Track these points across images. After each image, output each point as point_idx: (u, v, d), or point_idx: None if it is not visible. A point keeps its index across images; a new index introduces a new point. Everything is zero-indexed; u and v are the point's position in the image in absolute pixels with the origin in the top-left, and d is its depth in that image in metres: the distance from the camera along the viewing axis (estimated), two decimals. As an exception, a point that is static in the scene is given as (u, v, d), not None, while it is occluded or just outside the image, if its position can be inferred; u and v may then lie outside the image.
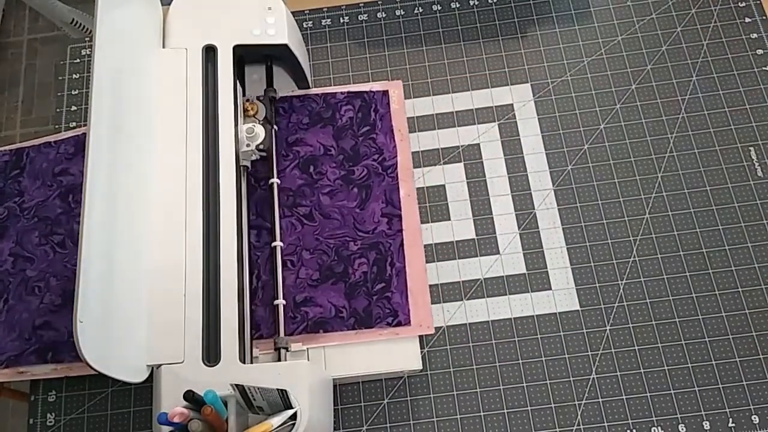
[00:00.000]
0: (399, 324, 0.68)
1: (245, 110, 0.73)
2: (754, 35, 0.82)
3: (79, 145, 0.76)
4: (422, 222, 0.75)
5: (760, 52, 0.81)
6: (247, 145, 0.70)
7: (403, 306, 0.68)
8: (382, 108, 0.77)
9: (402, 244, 0.71)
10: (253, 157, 0.71)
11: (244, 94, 0.77)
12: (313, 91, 0.78)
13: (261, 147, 0.71)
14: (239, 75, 0.75)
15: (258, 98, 0.74)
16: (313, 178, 0.74)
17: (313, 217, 0.72)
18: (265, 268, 0.70)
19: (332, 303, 0.69)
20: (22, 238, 0.72)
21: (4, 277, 0.71)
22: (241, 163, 0.69)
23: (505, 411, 0.67)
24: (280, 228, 0.72)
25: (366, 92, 0.78)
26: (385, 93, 0.78)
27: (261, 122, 0.73)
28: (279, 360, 0.66)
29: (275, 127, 0.75)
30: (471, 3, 0.86)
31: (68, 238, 0.72)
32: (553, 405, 0.67)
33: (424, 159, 0.78)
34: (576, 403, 0.67)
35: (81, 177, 0.72)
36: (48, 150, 0.76)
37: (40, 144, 0.77)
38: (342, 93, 0.78)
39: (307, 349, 0.68)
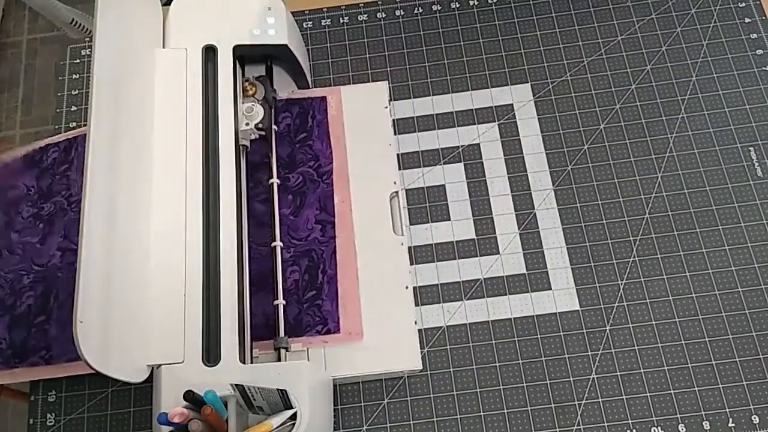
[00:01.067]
0: (328, 332, 0.68)
1: (244, 90, 0.72)
2: (754, 35, 0.82)
3: (29, 161, 0.76)
4: (422, 222, 0.75)
5: (760, 52, 0.81)
6: (246, 124, 0.70)
7: (332, 313, 0.68)
8: (319, 114, 0.77)
9: (334, 251, 0.71)
10: (252, 137, 0.72)
11: (243, 75, 0.77)
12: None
13: (260, 126, 0.71)
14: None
15: (258, 78, 0.74)
16: (248, 186, 0.73)
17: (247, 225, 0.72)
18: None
19: (263, 312, 0.68)
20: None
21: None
22: (240, 142, 0.69)
23: (505, 411, 0.67)
24: None
25: (304, 99, 0.78)
26: (323, 99, 0.78)
27: (260, 102, 0.72)
28: (279, 360, 0.66)
29: (275, 127, 0.75)
30: (471, 3, 0.86)
31: (4, 248, 0.71)
32: (553, 405, 0.67)
33: (424, 159, 0.78)
34: (576, 403, 0.67)
35: (24, 189, 0.74)
36: (2, 170, 0.76)
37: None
38: (281, 100, 0.78)
39: (307, 349, 0.68)
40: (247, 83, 0.73)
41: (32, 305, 0.68)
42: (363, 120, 0.77)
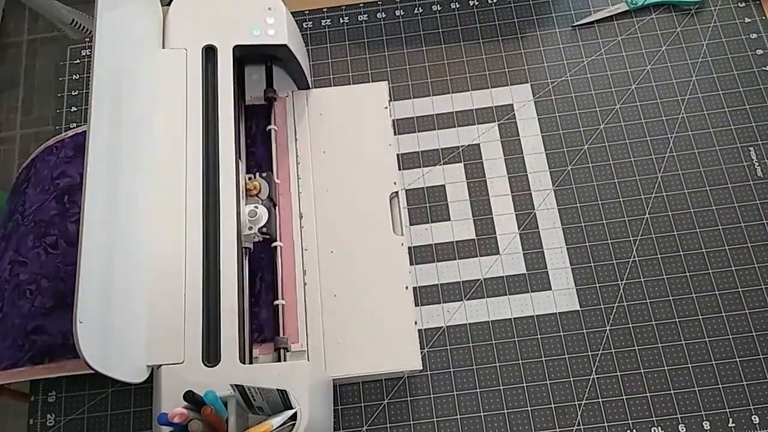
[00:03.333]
0: (264, 341, 0.67)
1: (247, 190, 0.70)
2: (754, 35, 0.82)
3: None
4: (422, 222, 0.75)
5: (760, 52, 0.81)
6: (250, 228, 0.68)
7: (268, 322, 0.68)
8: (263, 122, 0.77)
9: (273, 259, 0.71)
10: (256, 239, 0.69)
11: (243, 96, 0.77)
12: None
13: (264, 230, 0.69)
14: (239, 85, 0.74)
15: (261, 175, 0.72)
16: None
17: None
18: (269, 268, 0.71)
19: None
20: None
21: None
22: (243, 245, 0.67)
23: (505, 411, 0.67)
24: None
25: (256, 105, 0.77)
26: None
27: (263, 202, 0.70)
28: (279, 360, 0.66)
29: (274, 127, 0.75)
30: (471, 3, 0.86)
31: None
32: (553, 405, 0.67)
33: (424, 159, 0.78)
34: (576, 403, 0.67)
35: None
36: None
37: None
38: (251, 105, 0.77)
39: (307, 349, 0.68)
40: (249, 181, 0.70)
41: None
42: (363, 120, 0.77)
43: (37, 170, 0.75)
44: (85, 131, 0.74)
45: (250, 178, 0.71)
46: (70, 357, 0.65)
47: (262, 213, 0.69)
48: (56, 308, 0.67)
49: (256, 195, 0.70)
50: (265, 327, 0.68)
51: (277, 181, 0.73)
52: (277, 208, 0.72)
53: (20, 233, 0.71)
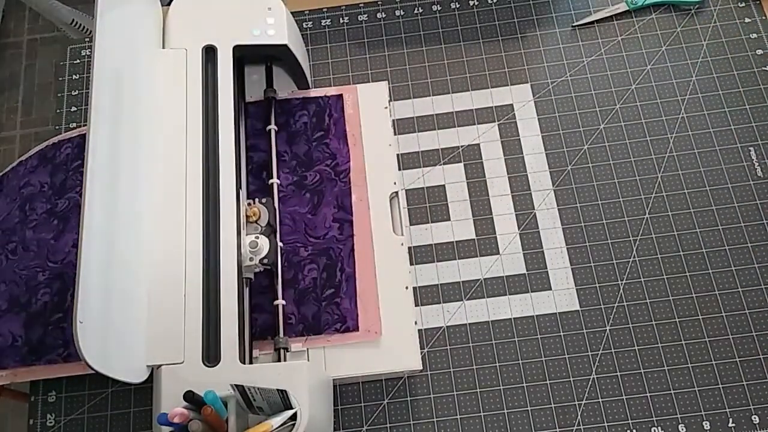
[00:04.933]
0: (347, 330, 0.67)
1: (247, 216, 0.68)
2: (754, 35, 0.82)
3: (42, 157, 0.76)
4: (422, 222, 0.75)
5: (760, 52, 0.81)
6: (251, 259, 0.66)
7: (351, 312, 0.68)
8: (336, 113, 0.77)
9: (352, 250, 0.70)
10: (257, 270, 0.68)
11: (244, 96, 0.77)
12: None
13: (265, 261, 0.67)
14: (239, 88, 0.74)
15: (260, 201, 0.70)
16: (266, 184, 0.73)
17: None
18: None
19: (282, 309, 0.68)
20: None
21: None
22: (244, 275, 0.66)
23: (505, 411, 0.67)
24: None
25: (321, 97, 0.78)
26: (340, 98, 0.78)
27: (263, 229, 0.69)
28: (279, 360, 0.66)
29: (274, 127, 0.75)
30: (471, 3, 0.86)
31: (19, 245, 0.71)
32: (553, 405, 0.67)
33: (424, 159, 0.78)
34: (576, 403, 0.67)
35: (38, 186, 0.74)
36: (19, 168, 0.76)
37: (16, 164, 0.77)
38: (297, 99, 0.77)
39: (307, 349, 0.68)
40: (248, 207, 0.69)
41: (48, 302, 0.68)
42: (363, 120, 0.77)
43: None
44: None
45: (249, 204, 0.69)
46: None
47: (263, 244, 0.67)
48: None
49: (256, 221, 0.69)
50: (348, 317, 0.68)
51: (277, 181, 0.73)
52: (278, 234, 0.70)
53: None
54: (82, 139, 0.76)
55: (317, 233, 0.71)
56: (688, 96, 0.79)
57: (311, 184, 0.73)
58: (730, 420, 0.66)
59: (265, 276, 0.70)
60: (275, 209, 0.70)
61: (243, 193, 0.69)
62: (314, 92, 0.78)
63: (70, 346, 0.66)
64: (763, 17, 0.82)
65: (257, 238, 0.67)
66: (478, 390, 0.68)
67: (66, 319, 0.67)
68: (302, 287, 0.69)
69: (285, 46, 0.72)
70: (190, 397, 0.55)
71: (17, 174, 0.76)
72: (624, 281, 0.72)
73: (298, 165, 0.74)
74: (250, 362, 0.65)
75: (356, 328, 0.68)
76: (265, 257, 0.67)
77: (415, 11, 0.86)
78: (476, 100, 0.81)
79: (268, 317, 0.68)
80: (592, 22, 0.83)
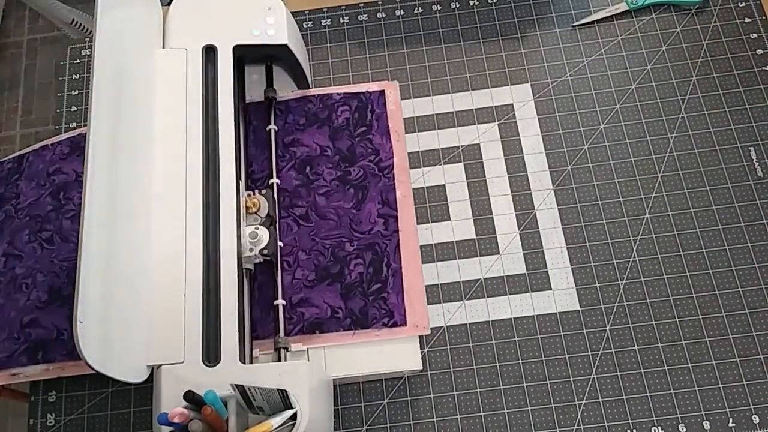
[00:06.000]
0: (395, 325, 0.68)
1: (247, 207, 0.68)
2: (754, 35, 0.82)
3: (74, 145, 0.76)
4: (422, 222, 0.75)
5: (760, 52, 0.81)
6: (251, 250, 0.66)
7: (399, 306, 0.68)
8: (378, 108, 0.77)
9: (398, 245, 0.71)
10: (257, 260, 0.68)
11: (244, 97, 0.77)
12: (311, 91, 0.78)
13: (265, 252, 0.67)
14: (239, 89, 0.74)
15: (260, 192, 0.70)
16: (309, 179, 0.74)
17: (309, 217, 0.72)
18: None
19: (328, 304, 0.69)
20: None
21: None
22: (244, 266, 0.66)
23: (505, 411, 0.67)
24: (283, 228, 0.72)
25: (362, 93, 0.78)
26: (382, 93, 0.78)
27: (263, 220, 0.69)
28: (279, 360, 0.66)
29: (274, 126, 0.76)
30: (471, 3, 0.86)
31: (56, 234, 0.71)
32: (553, 405, 0.67)
33: (424, 159, 0.78)
34: (576, 403, 0.67)
35: (74, 175, 0.74)
36: (45, 153, 0.76)
37: (39, 148, 0.77)
38: (338, 94, 0.78)
39: (307, 349, 0.68)
40: (248, 198, 0.69)
41: None
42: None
43: (30, 164, 0.76)
44: (81, 133, 0.75)
45: (249, 195, 0.70)
46: (63, 352, 0.67)
47: (263, 234, 0.67)
48: (51, 303, 0.69)
49: (256, 212, 0.69)
50: (395, 312, 0.68)
51: (277, 181, 0.73)
52: (277, 226, 0.70)
53: (14, 227, 0.72)
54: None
55: (362, 228, 0.72)
56: (688, 96, 0.79)
57: (355, 179, 0.74)
58: (730, 420, 0.66)
59: (306, 267, 0.70)
60: (275, 200, 0.71)
61: (242, 184, 0.69)
62: (355, 87, 0.78)
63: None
64: (763, 17, 0.82)
65: (257, 228, 0.67)
66: (478, 390, 0.68)
67: None
68: (349, 282, 0.69)
69: (285, 46, 0.72)
70: (190, 397, 0.55)
71: (43, 158, 0.76)
72: (624, 281, 0.72)
73: (341, 160, 0.75)
74: (250, 362, 0.65)
75: (404, 323, 0.68)
76: (264, 248, 0.67)
77: (415, 11, 0.86)
78: (476, 99, 0.81)
79: (316, 311, 0.68)
80: (592, 22, 0.83)
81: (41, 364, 0.67)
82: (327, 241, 0.71)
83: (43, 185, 0.74)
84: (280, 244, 0.70)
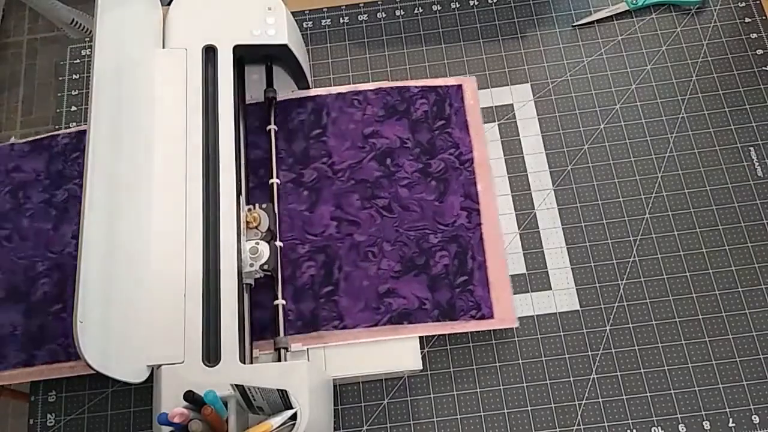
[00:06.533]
0: (482, 317, 0.68)
1: (247, 222, 0.67)
2: (754, 35, 0.82)
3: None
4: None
5: (760, 52, 0.81)
6: (251, 265, 0.66)
7: (486, 299, 0.69)
8: (456, 103, 0.78)
9: (482, 238, 0.71)
10: (258, 276, 0.67)
11: (244, 97, 0.77)
12: (388, 83, 0.79)
13: (265, 267, 0.66)
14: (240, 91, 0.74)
15: (261, 207, 0.69)
16: (390, 170, 0.74)
17: (392, 208, 0.72)
18: (347, 259, 0.71)
19: (416, 294, 0.69)
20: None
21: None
22: (245, 281, 0.66)
23: (505, 411, 0.67)
24: (361, 219, 0.72)
25: (440, 87, 0.79)
26: (459, 88, 0.78)
27: (263, 235, 0.68)
28: (279, 360, 0.66)
29: (274, 127, 0.75)
30: (471, 3, 0.86)
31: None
32: (553, 405, 0.67)
33: (424, 159, 0.78)
34: (576, 403, 0.67)
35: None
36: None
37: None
38: (416, 87, 0.78)
39: (307, 349, 0.68)
40: (248, 213, 0.68)
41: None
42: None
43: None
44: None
45: (249, 210, 0.69)
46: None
47: (264, 249, 0.67)
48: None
49: (256, 227, 0.68)
50: (482, 304, 0.69)
51: (277, 181, 0.73)
52: (276, 241, 0.70)
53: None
54: (81, 133, 0.77)
55: (446, 220, 0.72)
56: (688, 96, 0.79)
57: (436, 172, 0.74)
58: (730, 420, 0.66)
59: (392, 258, 0.71)
60: (275, 214, 0.70)
61: (243, 198, 0.69)
62: (432, 81, 0.79)
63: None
64: (763, 17, 0.82)
65: (257, 243, 0.66)
66: (478, 390, 0.68)
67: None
68: (434, 273, 0.70)
69: (285, 46, 0.72)
70: (190, 397, 0.55)
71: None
72: (624, 281, 0.72)
73: (422, 153, 0.75)
74: (250, 362, 0.65)
75: (491, 316, 0.68)
76: (265, 263, 0.66)
77: (415, 11, 0.86)
78: (476, 100, 0.81)
79: (404, 301, 0.69)
80: (592, 22, 0.83)
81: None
82: (411, 233, 0.71)
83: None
84: (279, 244, 0.70)
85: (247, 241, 0.67)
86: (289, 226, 0.72)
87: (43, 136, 0.78)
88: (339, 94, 0.78)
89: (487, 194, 0.73)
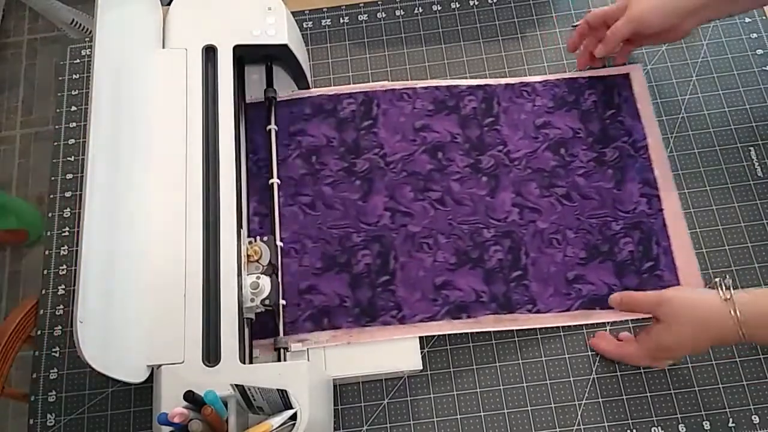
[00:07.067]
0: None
1: (248, 256, 0.67)
2: (754, 35, 0.82)
3: (319, 108, 0.78)
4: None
5: (760, 52, 0.81)
6: (252, 300, 0.65)
7: (675, 285, 0.70)
8: (624, 91, 0.78)
9: (664, 225, 0.72)
10: (259, 310, 0.66)
11: (244, 97, 0.77)
12: (556, 75, 0.80)
13: (267, 302, 0.65)
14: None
15: (262, 239, 0.68)
16: (565, 160, 0.75)
17: (571, 197, 0.74)
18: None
19: (603, 281, 0.70)
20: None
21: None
22: (245, 316, 0.65)
23: (505, 411, 0.67)
24: (542, 208, 0.73)
25: (607, 76, 0.79)
26: (626, 77, 0.79)
27: (264, 268, 0.67)
28: (279, 360, 0.66)
29: (274, 126, 0.75)
30: (471, 3, 0.86)
31: (318, 201, 0.73)
32: (553, 405, 0.67)
33: (424, 159, 0.78)
34: (576, 403, 0.67)
35: (327, 141, 0.76)
36: (289, 108, 0.78)
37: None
38: (583, 78, 0.79)
39: (307, 349, 0.68)
40: (249, 246, 0.67)
41: (371, 265, 0.71)
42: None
43: (385, 112, 0.77)
44: (318, 93, 0.76)
45: (250, 243, 0.68)
46: (349, 320, 0.69)
47: (265, 284, 0.65)
48: (328, 270, 0.71)
49: (257, 261, 0.67)
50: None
51: (277, 181, 0.73)
52: (279, 274, 0.70)
53: (389, 180, 0.74)
54: (366, 96, 0.78)
55: (626, 207, 0.73)
56: (688, 96, 0.79)
57: (611, 160, 0.75)
58: (730, 420, 0.66)
59: (577, 245, 0.71)
60: (276, 247, 0.70)
61: (244, 232, 0.69)
62: (598, 72, 0.80)
63: (402, 308, 0.69)
64: (763, 17, 0.82)
65: (258, 278, 0.65)
66: (478, 390, 0.68)
67: (393, 282, 0.70)
68: (620, 260, 0.71)
69: (285, 46, 0.72)
70: (190, 397, 0.55)
71: (285, 114, 0.78)
72: (624, 281, 0.72)
73: (595, 142, 0.76)
74: (250, 362, 0.65)
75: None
76: (266, 297, 0.65)
77: (415, 11, 0.86)
78: (476, 100, 0.81)
79: (592, 287, 0.70)
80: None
81: (328, 330, 0.68)
82: (593, 221, 0.73)
83: (286, 145, 0.76)
84: (280, 244, 0.70)
85: (248, 275, 0.66)
86: (472, 209, 0.73)
87: (315, 95, 0.78)
88: (507, 84, 0.79)
89: (666, 180, 0.74)
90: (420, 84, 0.79)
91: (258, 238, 0.69)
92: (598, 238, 0.72)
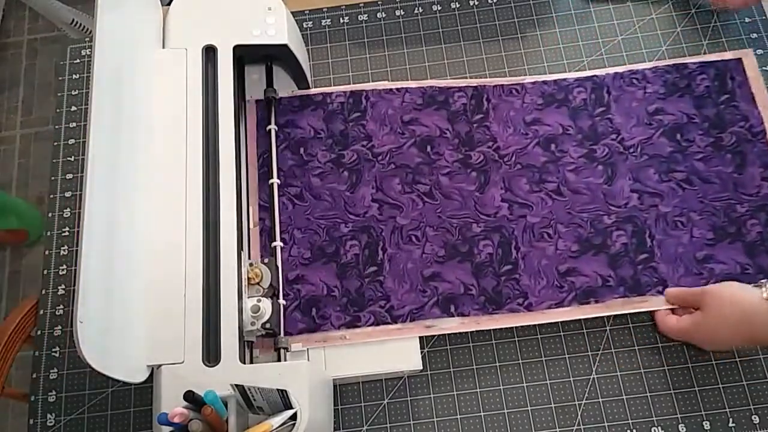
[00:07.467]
0: None
1: (249, 279, 0.66)
2: (754, 35, 0.82)
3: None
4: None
5: (760, 52, 0.81)
6: (252, 324, 0.64)
7: None
8: (738, 76, 0.78)
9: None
10: (259, 333, 0.65)
11: (244, 96, 0.77)
12: (666, 61, 0.80)
13: (267, 326, 0.64)
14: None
15: (263, 261, 0.68)
16: (681, 146, 0.75)
17: (690, 180, 0.74)
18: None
19: (598, 273, 0.70)
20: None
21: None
22: (245, 339, 0.64)
23: (505, 411, 0.67)
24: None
25: (719, 61, 0.79)
26: (739, 61, 0.79)
27: (265, 291, 0.66)
28: (279, 360, 0.66)
29: (274, 126, 0.75)
30: (471, 3, 0.86)
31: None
32: (553, 405, 0.67)
33: (424, 159, 0.78)
34: (576, 403, 0.67)
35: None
36: (391, 96, 0.79)
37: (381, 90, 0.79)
38: (694, 63, 0.79)
39: (307, 349, 0.68)
40: (250, 268, 0.66)
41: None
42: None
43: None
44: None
45: (251, 265, 0.67)
46: (476, 306, 0.69)
47: (266, 307, 0.65)
48: (451, 258, 0.71)
49: (258, 284, 0.66)
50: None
51: (277, 181, 0.73)
52: (279, 297, 0.69)
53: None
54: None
55: (748, 191, 0.73)
56: (688, 96, 0.79)
57: (729, 145, 0.75)
58: (730, 420, 0.66)
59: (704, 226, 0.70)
60: (277, 268, 0.70)
61: (245, 254, 0.68)
62: (708, 56, 0.80)
63: (528, 296, 0.70)
64: (763, 17, 0.82)
65: (259, 301, 0.65)
66: (478, 390, 0.68)
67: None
68: (749, 240, 0.71)
69: (285, 45, 0.72)
70: (190, 397, 0.55)
71: (390, 103, 0.78)
72: (624, 281, 0.72)
73: (711, 127, 0.76)
74: (251, 362, 0.65)
75: None
76: (267, 321, 0.64)
77: (415, 11, 0.86)
78: (476, 100, 0.81)
79: (586, 280, 0.70)
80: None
81: (455, 317, 0.69)
82: (717, 204, 0.72)
83: (402, 134, 0.76)
84: (280, 244, 0.70)
85: (248, 298, 0.65)
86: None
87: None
88: (617, 73, 0.79)
89: None
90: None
91: (259, 260, 0.70)
92: (724, 220, 0.72)
